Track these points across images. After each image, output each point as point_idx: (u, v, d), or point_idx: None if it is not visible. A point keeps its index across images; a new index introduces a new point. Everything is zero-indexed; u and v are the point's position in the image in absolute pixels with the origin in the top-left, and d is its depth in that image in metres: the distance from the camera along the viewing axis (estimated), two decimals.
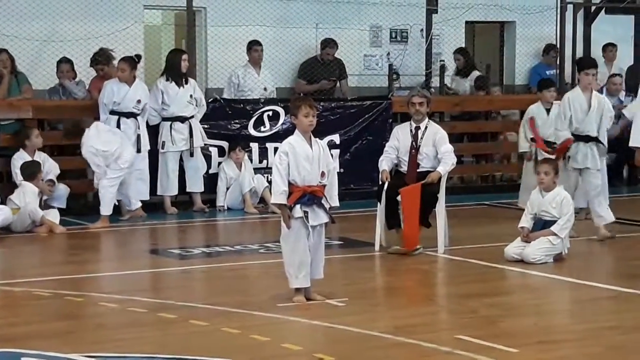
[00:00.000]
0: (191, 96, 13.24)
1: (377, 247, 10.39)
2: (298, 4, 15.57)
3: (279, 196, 7.96)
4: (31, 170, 11.98)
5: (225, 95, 14.24)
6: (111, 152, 12.22)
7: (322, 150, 8.13)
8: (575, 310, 8.38)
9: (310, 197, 8.00)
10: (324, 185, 8.09)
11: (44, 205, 12.10)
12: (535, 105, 13.16)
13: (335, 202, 8.18)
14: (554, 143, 12.62)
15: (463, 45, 16.87)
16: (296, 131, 8.14)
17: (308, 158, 8.00)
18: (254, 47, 14.61)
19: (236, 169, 13.43)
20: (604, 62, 16.63)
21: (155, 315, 7.71)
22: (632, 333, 7.31)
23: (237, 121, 13.87)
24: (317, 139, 8.21)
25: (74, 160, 13.32)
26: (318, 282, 8.18)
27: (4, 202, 11.77)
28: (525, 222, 9.98)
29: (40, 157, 12.39)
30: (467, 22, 16.95)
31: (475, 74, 16.12)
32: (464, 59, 16.18)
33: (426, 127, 10.48)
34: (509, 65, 17.64)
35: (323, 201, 8.07)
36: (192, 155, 13.25)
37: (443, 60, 15.90)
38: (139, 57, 13.14)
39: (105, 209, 12.31)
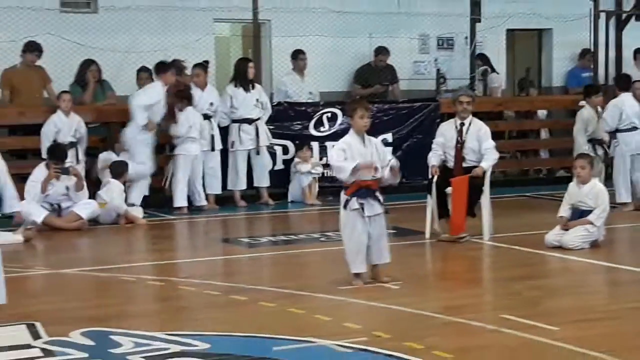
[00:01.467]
0: (257, 100, 13.30)
1: (427, 235, 10.35)
2: (353, 15, 15.56)
3: (350, 164, 7.85)
4: (120, 169, 12.08)
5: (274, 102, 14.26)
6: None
7: (375, 148, 8.11)
8: (611, 292, 8.32)
9: (365, 190, 8.00)
10: (377, 180, 8.08)
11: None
12: (587, 110, 13.10)
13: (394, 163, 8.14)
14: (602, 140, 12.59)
15: (504, 51, 16.80)
16: (351, 130, 8.14)
17: (362, 155, 7.99)
18: (299, 55, 14.55)
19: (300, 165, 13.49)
20: (634, 65, 16.43)
21: (228, 298, 7.76)
22: None
23: (299, 122, 13.92)
24: (371, 137, 8.21)
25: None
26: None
27: (92, 197, 11.91)
28: (564, 211, 9.90)
29: (126, 156, 12.51)
30: (507, 30, 16.81)
31: (493, 76, 15.99)
32: (483, 63, 16.05)
33: (470, 123, 10.42)
34: (547, 69, 17.46)
35: (377, 194, 8.07)
36: (258, 153, 13.31)
37: (486, 66, 15.82)
38: (207, 62, 13.28)
39: (178, 201, 12.44)
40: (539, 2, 16.53)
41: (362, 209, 7.99)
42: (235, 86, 13.25)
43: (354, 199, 7.98)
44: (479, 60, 15.94)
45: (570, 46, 16.98)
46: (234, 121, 13.21)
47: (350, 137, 8.09)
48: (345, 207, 8.04)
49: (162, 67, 12.59)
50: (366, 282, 8.06)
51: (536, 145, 16.22)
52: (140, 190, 12.43)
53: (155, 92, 12.44)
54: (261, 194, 13.49)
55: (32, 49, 12.91)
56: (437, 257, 9.87)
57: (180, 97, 12.65)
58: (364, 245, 8.04)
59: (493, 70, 16.09)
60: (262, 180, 13.47)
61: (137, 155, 12.32)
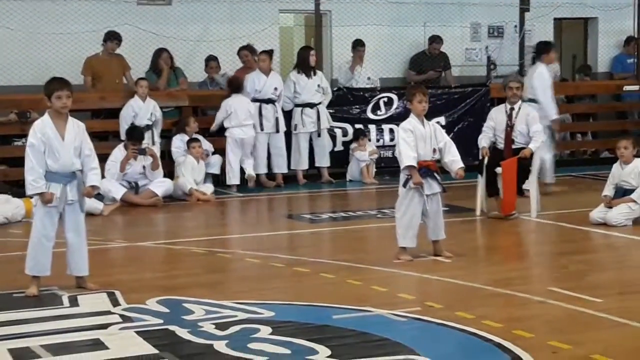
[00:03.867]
0: (319, 86, 13.27)
1: (478, 213, 10.28)
2: (408, 6, 15.46)
3: (411, 160, 7.84)
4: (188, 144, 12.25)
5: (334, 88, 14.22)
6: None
7: (433, 130, 8.07)
8: None
9: (425, 170, 7.95)
10: (436, 160, 8.03)
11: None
12: None
13: (460, 164, 8.09)
14: None
15: (552, 39, 16.57)
16: (411, 114, 8.09)
17: (423, 137, 7.96)
18: (357, 47, 14.49)
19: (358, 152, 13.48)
20: None
21: (291, 269, 7.77)
22: None
23: (357, 106, 13.88)
24: (428, 120, 8.16)
25: (220, 140, 13.46)
26: (428, 240, 8.15)
27: (167, 176, 11.99)
28: (608, 190, 9.76)
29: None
30: (555, 19, 16.59)
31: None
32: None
33: (519, 108, 10.31)
34: (592, 56, 17.20)
35: (435, 174, 8.02)
36: (319, 135, 13.31)
37: (534, 52, 15.61)
38: (272, 51, 13.27)
39: (229, 180, 12.69)
40: None
41: (422, 187, 7.94)
42: (298, 72, 13.24)
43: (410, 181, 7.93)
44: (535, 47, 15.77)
45: (615, 34, 16.73)
46: (297, 105, 13.20)
47: (411, 120, 8.04)
48: (404, 185, 7.99)
49: (544, 48, 12.20)
50: (417, 257, 8.01)
51: (582, 128, 15.99)
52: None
53: (543, 73, 11.81)
54: (322, 173, 13.49)
55: (112, 38, 13.04)
56: (487, 233, 9.78)
57: (229, 85, 12.73)
58: (416, 222, 7.99)
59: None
60: (323, 161, 13.47)
61: None
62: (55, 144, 6.90)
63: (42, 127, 6.94)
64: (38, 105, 12.50)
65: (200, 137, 12.59)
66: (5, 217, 10.23)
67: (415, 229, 7.99)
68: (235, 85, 12.74)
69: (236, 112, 12.60)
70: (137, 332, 5.87)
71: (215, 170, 12.71)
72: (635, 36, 15.60)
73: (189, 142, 12.22)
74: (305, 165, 13.38)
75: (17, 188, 11.71)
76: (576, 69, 16.54)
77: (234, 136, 12.65)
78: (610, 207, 9.59)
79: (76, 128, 7.05)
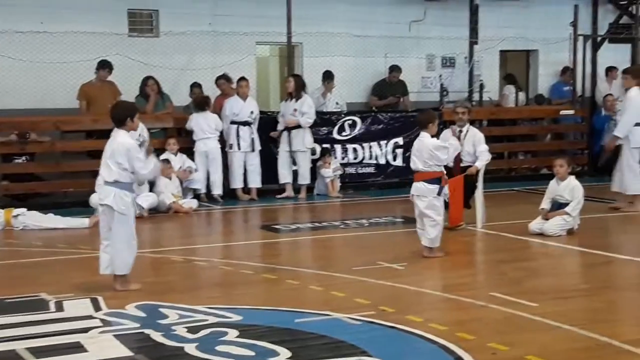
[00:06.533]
0: (295, 110, 12.92)
1: None
2: (371, 39, 15.34)
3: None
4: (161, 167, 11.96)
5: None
6: None
7: None
8: (584, 273, 8.08)
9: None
10: None
11: (185, 190, 12.09)
12: None
13: None
14: None
15: (497, 69, 16.60)
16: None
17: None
18: (327, 79, 14.33)
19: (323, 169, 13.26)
20: (605, 80, 16.19)
21: (260, 276, 7.61)
22: (623, 291, 7.08)
23: (325, 128, 13.69)
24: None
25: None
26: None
27: (152, 190, 11.78)
28: (545, 204, 9.68)
29: (182, 158, 12.38)
30: (500, 51, 16.56)
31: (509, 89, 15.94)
32: (508, 82, 16.25)
33: (467, 130, 10.23)
34: (533, 83, 17.22)
35: None
36: (290, 156, 13.03)
37: (482, 80, 15.62)
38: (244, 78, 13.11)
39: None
40: (527, 27, 16.28)
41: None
42: (285, 100, 13.05)
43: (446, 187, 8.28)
44: (507, 78, 16.22)
45: (553, 64, 16.72)
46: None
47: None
48: (439, 193, 8.29)
49: None
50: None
51: (524, 147, 15.92)
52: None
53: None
54: (300, 190, 13.11)
55: (104, 66, 12.83)
56: None
57: (194, 105, 12.77)
58: None
59: (520, 88, 15.87)
60: (303, 179, 13.05)
61: None
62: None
63: None
64: (37, 126, 12.34)
65: (184, 157, 12.38)
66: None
67: None
68: (198, 105, 12.61)
69: (199, 127, 12.47)
70: (115, 336, 5.69)
71: (198, 185, 12.49)
72: (571, 66, 15.58)
73: None
74: (280, 180, 13.10)
75: (16, 201, 11.49)
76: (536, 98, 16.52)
77: (198, 149, 12.51)
78: (547, 219, 9.50)
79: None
